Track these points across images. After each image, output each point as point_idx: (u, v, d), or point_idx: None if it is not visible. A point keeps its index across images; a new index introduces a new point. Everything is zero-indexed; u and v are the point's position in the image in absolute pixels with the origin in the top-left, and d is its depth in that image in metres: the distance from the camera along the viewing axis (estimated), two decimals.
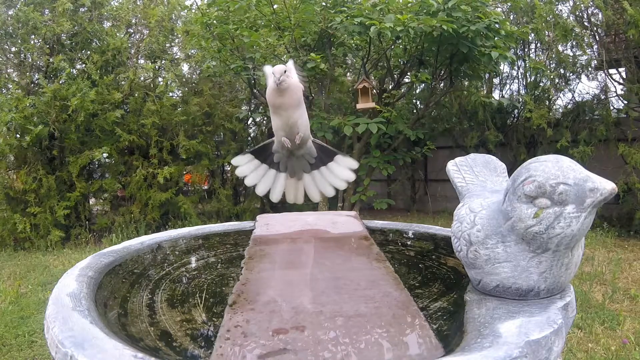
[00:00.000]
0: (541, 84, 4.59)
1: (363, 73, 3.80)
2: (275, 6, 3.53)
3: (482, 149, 4.86)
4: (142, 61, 4.69)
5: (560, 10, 4.30)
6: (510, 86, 5.18)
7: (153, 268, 0.93)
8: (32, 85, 4.23)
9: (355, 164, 1.38)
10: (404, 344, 0.55)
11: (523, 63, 4.82)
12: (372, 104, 3.42)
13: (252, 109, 5.07)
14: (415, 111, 5.13)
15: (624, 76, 4.20)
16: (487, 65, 3.50)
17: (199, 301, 0.76)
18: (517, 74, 4.99)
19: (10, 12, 4.15)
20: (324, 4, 3.57)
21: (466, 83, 4.53)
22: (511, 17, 4.69)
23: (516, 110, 4.99)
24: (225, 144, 4.88)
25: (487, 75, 4.72)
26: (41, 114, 3.88)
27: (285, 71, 1.25)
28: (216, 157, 4.92)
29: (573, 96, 4.61)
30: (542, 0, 4.14)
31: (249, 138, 5.51)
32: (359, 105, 3.43)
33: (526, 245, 0.63)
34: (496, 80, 5.17)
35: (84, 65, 4.23)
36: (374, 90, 3.77)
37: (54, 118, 3.90)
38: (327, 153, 1.42)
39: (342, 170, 1.37)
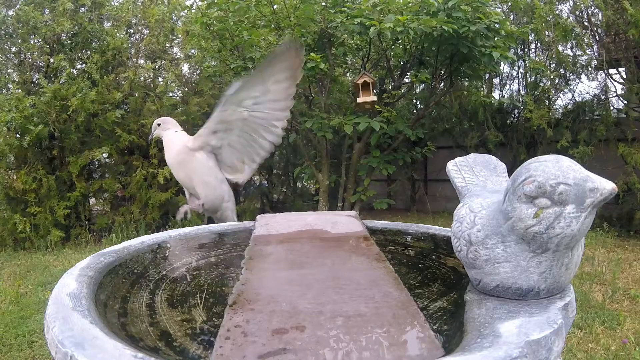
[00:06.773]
0: (541, 84, 4.59)
1: (363, 72, 3.79)
2: (275, 6, 3.53)
3: (482, 149, 4.86)
4: (142, 61, 4.69)
5: (560, 10, 4.29)
6: (510, 86, 5.18)
7: (153, 268, 0.93)
8: (32, 85, 4.22)
9: None
10: (404, 343, 0.55)
11: (523, 63, 4.82)
12: (373, 97, 3.38)
13: None
14: (415, 111, 5.13)
15: (624, 76, 4.19)
16: (487, 65, 3.50)
17: (199, 301, 0.76)
18: (517, 74, 4.99)
19: (10, 12, 4.15)
20: (324, 4, 3.56)
21: (466, 83, 4.53)
22: (511, 17, 4.69)
23: (516, 110, 4.99)
24: None
25: (487, 75, 4.72)
26: (41, 114, 3.88)
27: (159, 124, 1.22)
28: None
29: (573, 96, 4.61)
30: (542, 0, 4.14)
31: None
32: (360, 99, 3.38)
33: (526, 245, 0.63)
34: (496, 80, 5.17)
35: (84, 65, 4.23)
36: (375, 88, 3.74)
37: (54, 118, 3.89)
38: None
39: None
